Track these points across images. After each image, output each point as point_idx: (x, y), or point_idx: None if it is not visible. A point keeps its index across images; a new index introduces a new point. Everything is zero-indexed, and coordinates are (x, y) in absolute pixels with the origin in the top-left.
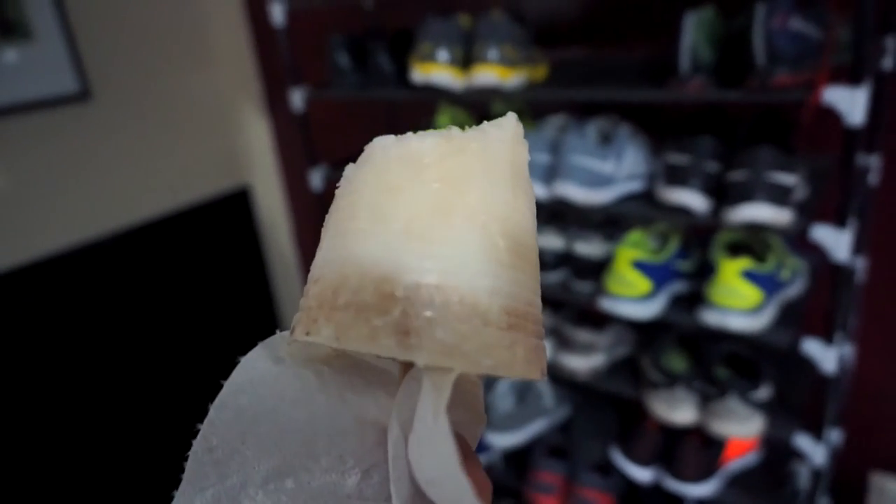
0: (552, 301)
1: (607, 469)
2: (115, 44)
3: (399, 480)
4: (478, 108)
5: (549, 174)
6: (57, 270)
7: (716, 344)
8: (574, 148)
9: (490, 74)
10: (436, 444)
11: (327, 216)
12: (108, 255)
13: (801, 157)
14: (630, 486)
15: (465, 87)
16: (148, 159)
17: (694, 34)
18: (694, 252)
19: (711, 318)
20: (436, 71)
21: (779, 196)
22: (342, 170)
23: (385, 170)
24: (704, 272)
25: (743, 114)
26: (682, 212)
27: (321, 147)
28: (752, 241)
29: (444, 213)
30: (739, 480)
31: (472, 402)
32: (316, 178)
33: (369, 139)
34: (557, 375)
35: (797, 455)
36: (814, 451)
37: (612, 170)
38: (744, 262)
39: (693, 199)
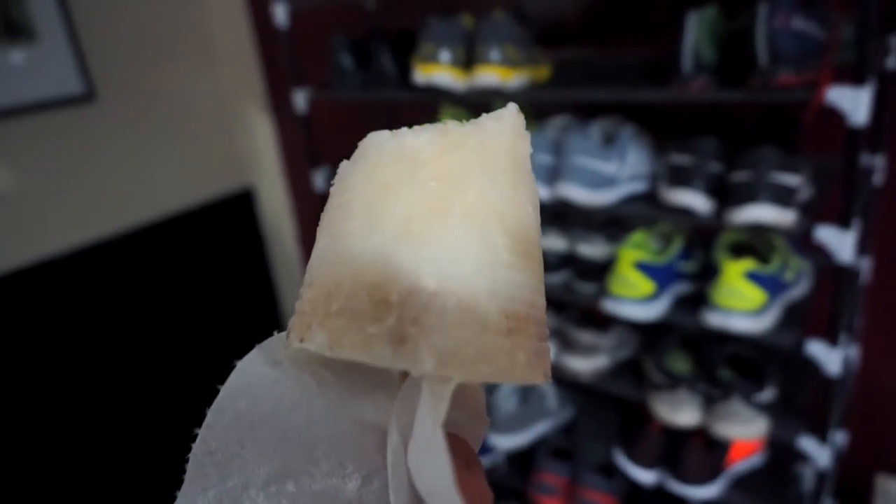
0: (555, 302)
1: (611, 471)
2: (119, 45)
3: (398, 488)
4: (480, 108)
5: (551, 175)
6: (61, 271)
7: (719, 345)
8: (577, 149)
9: (492, 75)
10: (432, 456)
11: (322, 215)
12: (113, 256)
13: (805, 158)
14: (634, 487)
15: (467, 88)
16: (152, 160)
17: (696, 34)
18: (697, 253)
19: (715, 319)
20: (438, 72)
21: (782, 197)
22: None
23: (379, 167)
24: (708, 273)
25: (746, 114)
26: (685, 213)
27: (324, 148)
28: (755, 242)
29: (440, 213)
30: (744, 482)
31: (474, 404)
32: (319, 179)
33: None
34: (561, 377)
35: (802, 457)
36: (818, 453)
37: (614, 171)
38: (747, 264)
39: (696, 200)
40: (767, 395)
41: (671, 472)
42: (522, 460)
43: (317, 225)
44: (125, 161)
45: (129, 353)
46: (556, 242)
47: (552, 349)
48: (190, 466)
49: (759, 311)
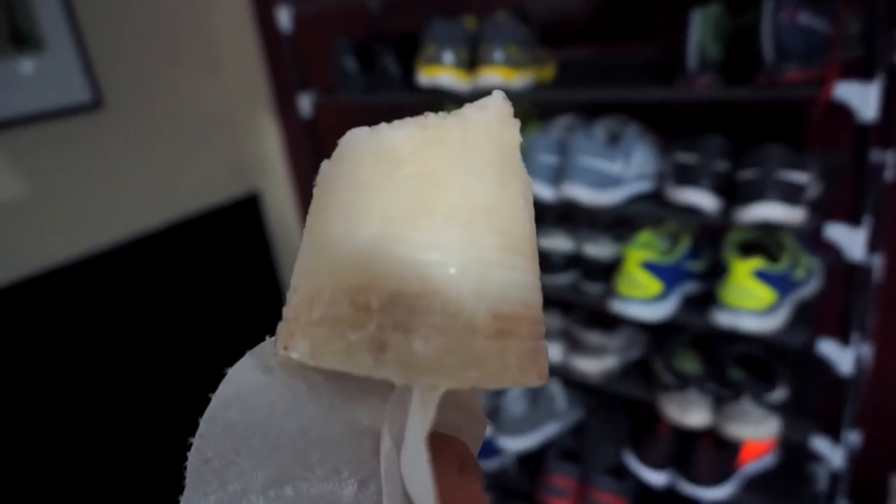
0: (562, 303)
1: (621, 472)
2: (125, 53)
3: (392, 494)
4: None
5: (556, 175)
6: (69, 278)
7: (729, 345)
8: (582, 149)
9: (496, 76)
10: (418, 465)
11: (307, 217)
12: (121, 262)
13: (814, 155)
14: (644, 489)
15: (471, 89)
16: (159, 166)
17: (701, 31)
18: (705, 252)
19: (724, 319)
20: (441, 73)
21: (790, 194)
22: None
23: (358, 166)
24: (716, 272)
25: (753, 111)
26: (692, 212)
27: (330, 151)
28: (764, 241)
29: (422, 212)
30: (756, 483)
31: (470, 406)
32: None
33: None
34: (569, 378)
35: (816, 457)
36: (831, 453)
37: (620, 170)
38: (756, 262)
39: (703, 199)
40: (779, 395)
41: (682, 473)
42: (532, 462)
43: None
44: (133, 168)
45: (139, 360)
46: (563, 243)
47: (560, 350)
48: (189, 473)
49: (769, 310)
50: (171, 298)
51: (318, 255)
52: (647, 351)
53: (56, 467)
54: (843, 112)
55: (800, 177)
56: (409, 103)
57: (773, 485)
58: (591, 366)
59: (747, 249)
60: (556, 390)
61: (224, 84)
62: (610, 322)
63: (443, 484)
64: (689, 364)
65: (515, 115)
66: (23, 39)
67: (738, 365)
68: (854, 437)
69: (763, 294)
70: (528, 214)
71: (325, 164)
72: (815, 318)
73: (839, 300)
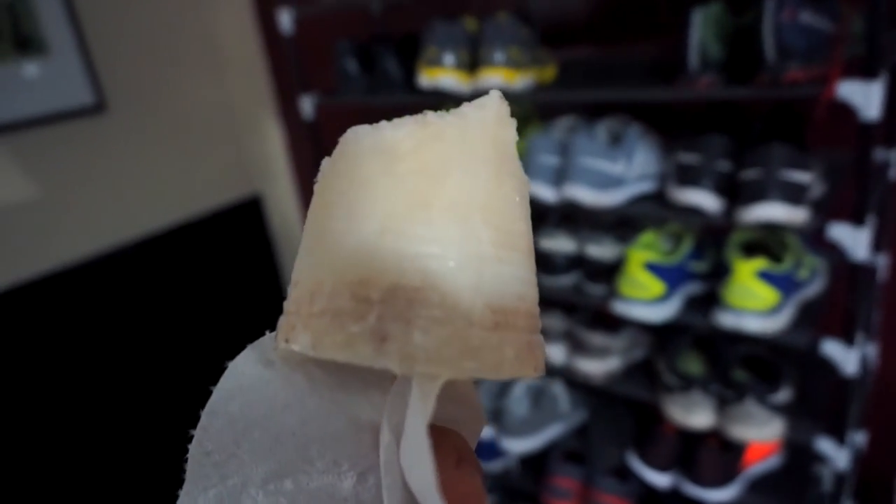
0: (565, 304)
1: (625, 474)
2: (128, 56)
3: (391, 486)
4: None
5: (558, 176)
6: (73, 280)
7: (733, 346)
8: (583, 149)
9: (497, 77)
10: (418, 456)
11: (308, 213)
12: (124, 265)
13: (816, 154)
14: (648, 490)
15: (472, 91)
16: (162, 169)
17: (702, 30)
18: (708, 252)
19: (727, 319)
20: (442, 75)
21: (793, 194)
22: None
23: (358, 163)
24: (719, 273)
25: (755, 110)
26: (694, 212)
27: (332, 153)
28: (768, 241)
29: (421, 208)
30: (761, 484)
31: (469, 400)
32: None
33: None
34: (572, 379)
35: (821, 458)
36: (836, 454)
37: (622, 171)
38: (759, 263)
39: (705, 200)
40: (783, 395)
41: (686, 474)
42: (535, 464)
43: None
44: (135, 170)
45: (140, 362)
46: (565, 244)
47: (563, 352)
48: (189, 466)
49: (773, 310)
50: (175, 300)
51: (319, 250)
52: (650, 352)
53: (63, 462)
54: (846, 110)
55: (802, 176)
56: (410, 105)
57: (778, 486)
58: (595, 367)
59: (750, 249)
60: (560, 391)
61: (226, 87)
62: (613, 323)
63: (441, 477)
64: (693, 365)
65: (513, 115)
66: (26, 43)
67: (741, 366)
68: (859, 437)
69: (766, 294)
70: (525, 211)
71: (326, 162)
72: (819, 318)
73: (844, 300)
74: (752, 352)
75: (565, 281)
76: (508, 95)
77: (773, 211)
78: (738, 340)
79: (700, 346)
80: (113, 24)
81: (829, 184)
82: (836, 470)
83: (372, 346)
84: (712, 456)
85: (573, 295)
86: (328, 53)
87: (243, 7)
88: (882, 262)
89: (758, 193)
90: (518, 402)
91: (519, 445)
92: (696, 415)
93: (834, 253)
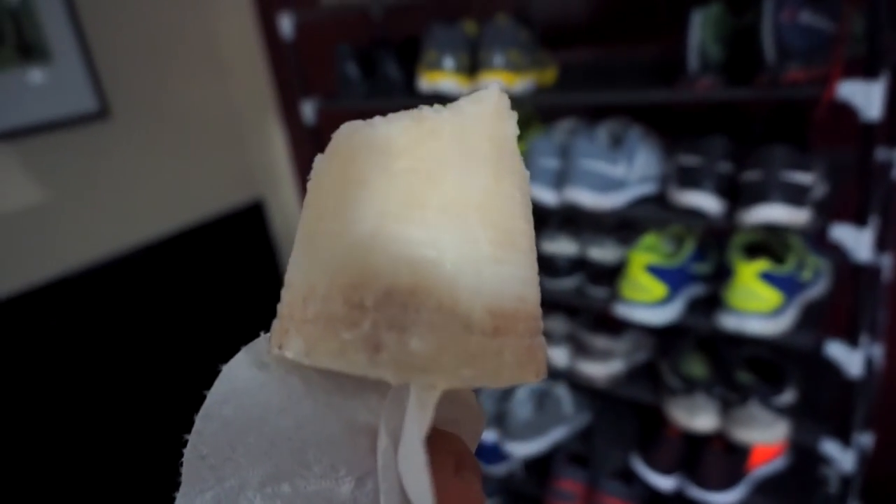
0: (567, 307)
1: (629, 476)
2: (131, 62)
3: (389, 492)
4: None
5: (559, 179)
6: (77, 286)
7: (737, 348)
8: (584, 152)
9: (496, 81)
10: (415, 466)
11: (302, 212)
12: (127, 270)
13: (818, 154)
14: (653, 493)
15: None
16: (164, 175)
17: (701, 32)
18: (711, 254)
19: (730, 321)
20: (442, 79)
21: (795, 196)
22: None
23: (351, 161)
24: (722, 274)
25: (757, 111)
26: (696, 214)
27: None
28: (770, 242)
29: (416, 208)
30: (766, 487)
31: (468, 402)
32: None
33: None
34: (576, 382)
35: (827, 460)
36: (842, 456)
37: (623, 173)
38: (761, 265)
39: (706, 202)
40: (787, 397)
41: (690, 477)
42: (539, 467)
43: None
44: (138, 176)
45: (146, 367)
46: (567, 247)
47: (566, 354)
48: (185, 469)
49: (775, 312)
50: (178, 305)
51: (311, 251)
52: (653, 354)
53: (65, 465)
54: (848, 108)
55: (804, 177)
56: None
57: (784, 489)
58: (598, 370)
59: (753, 251)
60: (563, 394)
61: (228, 92)
62: (616, 326)
63: (439, 483)
64: (696, 367)
65: (512, 109)
66: (30, 50)
67: (745, 368)
68: (865, 439)
69: (769, 296)
70: (525, 208)
71: (319, 159)
72: (823, 319)
73: (848, 301)
74: (755, 354)
75: (567, 284)
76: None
77: (774, 212)
78: (741, 342)
79: (703, 348)
80: (116, 30)
81: (831, 184)
82: (842, 472)
83: (366, 355)
84: (717, 458)
85: (575, 298)
86: (329, 58)
87: (244, 12)
88: (886, 262)
89: (759, 195)
90: (521, 406)
91: (522, 449)
92: (699, 417)
93: (837, 253)
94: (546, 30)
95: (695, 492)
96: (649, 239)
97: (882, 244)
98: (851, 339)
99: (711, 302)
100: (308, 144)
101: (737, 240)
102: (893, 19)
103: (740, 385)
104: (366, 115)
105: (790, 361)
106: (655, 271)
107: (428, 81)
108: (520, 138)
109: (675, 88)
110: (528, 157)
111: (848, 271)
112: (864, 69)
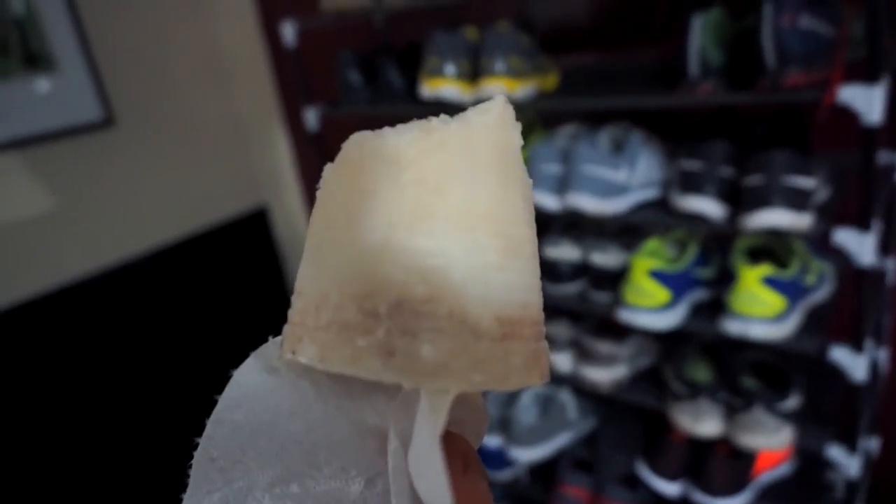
0: (571, 312)
1: (634, 482)
2: (135, 71)
3: (399, 493)
4: None
5: (560, 185)
6: (82, 294)
7: (741, 353)
8: (585, 157)
9: (498, 87)
10: (430, 468)
11: (310, 219)
12: (131, 278)
13: (820, 158)
14: (658, 499)
15: (474, 101)
16: (169, 182)
17: (701, 36)
18: (714, 258)
19: (733, 326)
20: (443, 85)
21: (797, 200)
22: None
23: (360, 171)
24: (725, 279)
25: (758, 115)
26: (698, 219)
27: None
28: (773, 246)
29: (425, 218)
30: (772, 492)
31: (474, 401)
32: None
33: None
34: (580, 387)
35: (833, 464)
36: (848, 462)
37: (625, 178)
38: (764, 269)
39: (708, 207)
40: (792, 402)
41: (696, 483)
42: (544, 473)
43: None
44: (143, 184)
45: (151, 373)
46: (570, 252)
47: (570, 360)
48: (193, 472)
49: (779, 316)
50: (183, 312)
51: (322, 260)
52: (657, 359)
53: (70, 470)
54: (850, 112)
55: (806, 182)
56: (413, 115)
57: (790, 494)
58: (602, 375)
59: (756, 255)
60: (567, 399)
61: (231, 100)
62: (619, 331)
63: (450, 482)
64: (701, 372)
65: (517, 120)
66: (35, 59)
67: (749, 373)
68: (871, 444)
69: (772, 301)
70: (529, 216)
71: (328, 169)
72: (827, 324)
73: (852, 305)
74: (759, 358)
75: (571, 289)
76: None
77: (776, 217)
78: (745, 347)
79: (707, 353)
80: (120, 39)
81: (834, 188)
82: (848, 477)
83: (380, 361)
84: (722, 464)
85: (579, 303)
86: (331, 65)
87: (247, 20)
88: (890, 266)
89: (761, 200)
90: (526, 411)
91: (527, 454)
92: (704, 423)
93: (841, 257)
94: (547, 35)
95: (700, 497)
96: (652, 244)
97: (886, 248)
98: (856, 344)
99: (715, 307)
100: (311, 151)
101: (740, 244)
102: (893, 22)
103: (745, 390)
104: (368, 121)
105: (795, 366)
106: (658, 276)
107: (429, 88)
108: (522, 146)
109: (676, 93)
110: (530, 163)
111: (852, 275)
112: (865, 73)
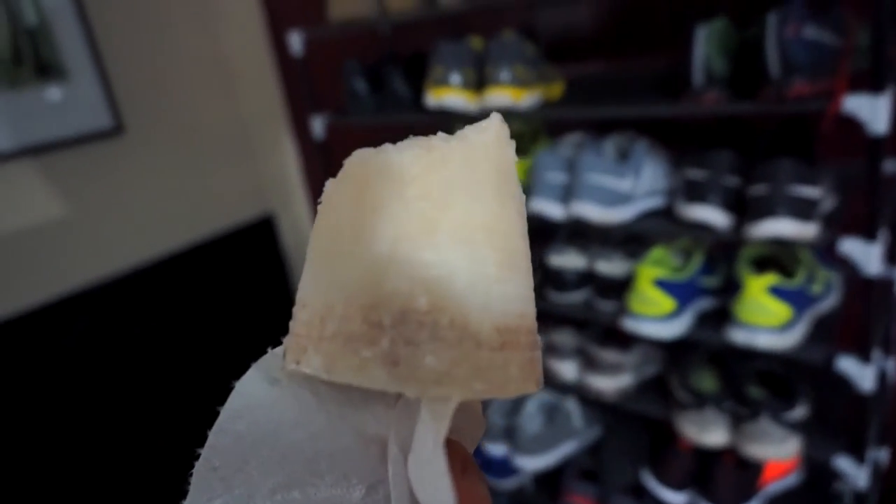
0: (576, 321)
1: (640, 492)
2: (145, 80)
3: (399, 500)
4: None
5: (565, 193)
6: (91, 301)
7: (747, 362)
8: (590, 166)
9: (503, 96)
10: (433, 474)
11: (311, 234)
12: (139, 285)
13: (825, 167)
14: None
15: (479, 110)
16: (177, 190)
17: (706, 46)
18: (719, 267)
19: (739, 335)
20: (449, 94)
21: (802, 210)
22: None
23: (365, 187)
24: (731, 288)
25: (763, 124)
26: (703, 228)
27: None
28: (779, 255)
29: (428, 232)
30: (780, 503)
31: (473, 407)
32: None
33: None
34: (585, 396)
35: (841, 475)
36: (856, 472)
37: (630, 187)
38: (770, 279)
39: (713, 216)
40: (799, 412)
41: (702, 493)
42: (549, 481)
43: None
44: (152, 191)
45: (158, 381)
46: (575, 260)
47: (575, 368)
48: (194, 480)
49: (785, 326)
50: (189, 320)
51: (326, 272)
52: (662, 368)
53: (77, 474)
54: (855, 121)
55: (811, 191)
56: (419, 124)
57: None
58: (607, 384)
59: (762, 264)
60: (573, 408)
61: (239, 108)
62: (625, 339)
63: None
64: (707, 382)
65: (520, 132)
66: (47, 69)
67: (756, 382)
68: (880, 455)
69: (778, 310)
70: (523, 229)
71: (331, 184)
72: (834, 333)
73: (859, 315)
74: (766, 368)
75: (576, 297)
76: (515, 113)
77: (781, 227)
78: (751, 356)
79: (713, 362)
80: (130, 49)
81: (840, 197)
82: (856, 489)
83: (385, 371)
84: (729, 474)
85: (584, 311)
86: (338, 74)
87: (255, 30)
88: None
89: (766, 209)
90: (531, 419)
91: (532, 463)
92: (710, 432)
93: (847, 266)
94: (552, 44)
95: None
96: (657, 252)
97: (892, 257)
98: (863, 353)
99: (720, 316)
100: (318, 159)
101: (745, 253)
102: None
103: (751, 400)
104: (374, 130)
105: (801, 376)
106: (663, 285)
107: (435, 97)
108: (526, 153)
109: (680, 102)
110: (534, 171)
111: (859, 284)
112: (870, 83)
